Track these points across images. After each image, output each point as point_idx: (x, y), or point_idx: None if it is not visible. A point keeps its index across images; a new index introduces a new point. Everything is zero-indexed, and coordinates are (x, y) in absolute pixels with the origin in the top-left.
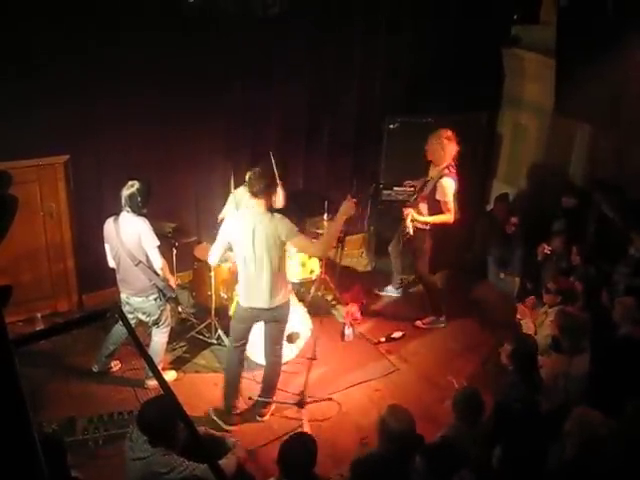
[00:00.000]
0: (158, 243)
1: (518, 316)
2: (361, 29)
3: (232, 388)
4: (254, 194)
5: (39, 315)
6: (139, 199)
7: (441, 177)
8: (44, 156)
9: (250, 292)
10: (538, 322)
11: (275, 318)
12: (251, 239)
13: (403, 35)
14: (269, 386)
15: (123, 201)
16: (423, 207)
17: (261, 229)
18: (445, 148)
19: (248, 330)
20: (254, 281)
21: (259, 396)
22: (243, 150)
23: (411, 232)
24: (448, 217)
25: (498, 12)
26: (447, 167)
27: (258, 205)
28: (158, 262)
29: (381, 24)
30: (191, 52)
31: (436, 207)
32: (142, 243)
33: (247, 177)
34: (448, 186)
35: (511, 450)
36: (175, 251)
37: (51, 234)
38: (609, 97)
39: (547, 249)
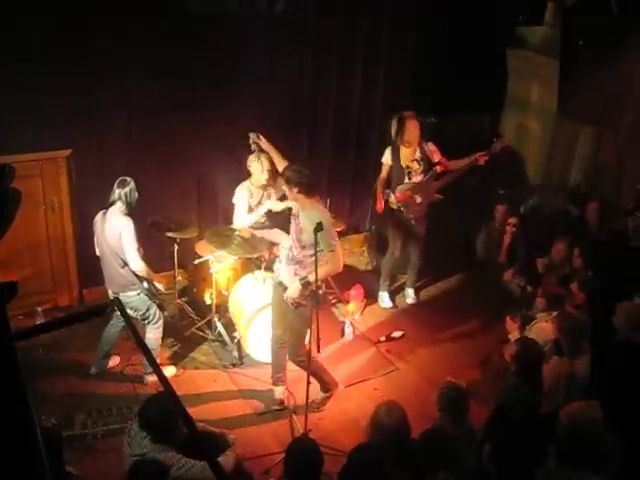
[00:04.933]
0: (137, 246)
1: (507, 331)
2: (365, 27)
3: None
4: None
5: (39, 309)
6: (135, 196)
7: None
8: (47, 150)
9: None
10: (528, 327)
11: None
12: None
13: (407, 34)
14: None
15: (117, 197)
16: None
17: None
18: None
19: None
20: None
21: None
22: (245, 147)
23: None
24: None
25: (503, 13)
26: None
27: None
28: (136, 265)
29: (386, 23)
30: (194, 47)
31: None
32: (122, 241)
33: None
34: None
35: (501, 446)
36: (177, 247)
37: (53, 228)
38: (613, 100)
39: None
